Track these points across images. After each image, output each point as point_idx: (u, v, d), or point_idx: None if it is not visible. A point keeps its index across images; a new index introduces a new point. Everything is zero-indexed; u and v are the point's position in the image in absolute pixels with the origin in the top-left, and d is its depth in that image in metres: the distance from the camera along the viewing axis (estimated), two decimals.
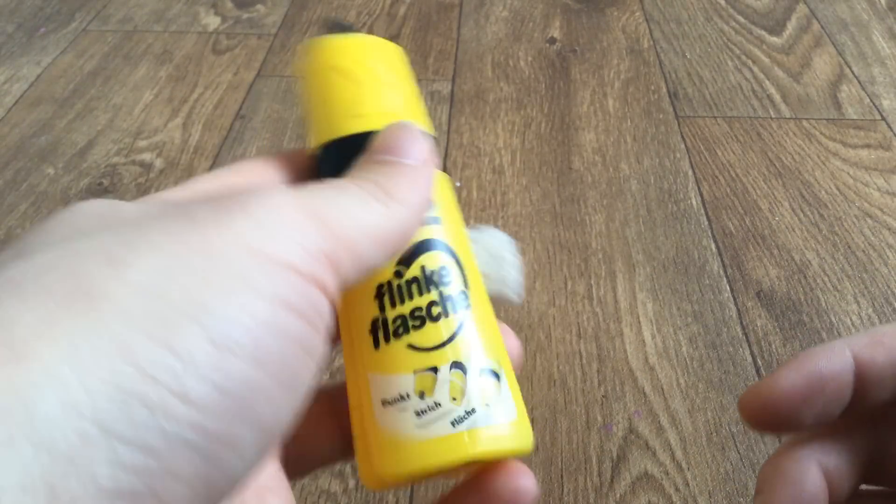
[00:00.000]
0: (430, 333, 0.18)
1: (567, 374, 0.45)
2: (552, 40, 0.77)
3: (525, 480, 0.19)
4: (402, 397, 0.17)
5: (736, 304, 0.49)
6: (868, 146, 0.63)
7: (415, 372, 0.17)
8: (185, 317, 0.12)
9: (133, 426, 0.11)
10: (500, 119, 0.66)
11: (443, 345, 0.18)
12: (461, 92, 0.69)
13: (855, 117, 0.66)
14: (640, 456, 0.41)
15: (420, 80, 0.71)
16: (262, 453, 0.13)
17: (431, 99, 0.68)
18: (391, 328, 0.18)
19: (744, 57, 0.74)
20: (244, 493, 0.17)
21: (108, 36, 0.78)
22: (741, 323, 0.48)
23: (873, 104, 0.68)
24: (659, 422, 0.43)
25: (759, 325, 0.48)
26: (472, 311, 0.18)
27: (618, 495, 0.39)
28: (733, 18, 0.80)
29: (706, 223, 0.55)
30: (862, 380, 0.19)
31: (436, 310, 0.18)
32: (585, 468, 0.40)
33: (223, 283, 0.13)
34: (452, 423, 0.17)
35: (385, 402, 0.17)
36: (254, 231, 0.14)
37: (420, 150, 0.18)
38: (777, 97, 0.68)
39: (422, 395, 0.17)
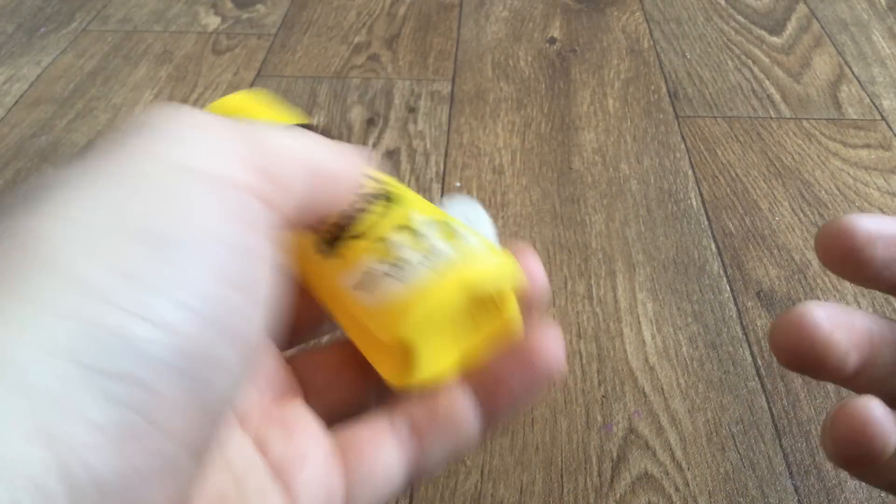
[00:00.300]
0: (364, 220, 0.18)
1: (567, 374, 0.45)
2: (552, 40, 0.77)
3: (551, 336, 0.19)
4: (369, 273, 0.17)
5: (736, 304, 0.49)
6: (868, 146, 0.63)
7: (368, 251, 0.18)
8: (140, 243, 0.12)
9: (110, 357, 0.11)
10: (500, 119, 0.66)
11: (379, 222, 0.18)
12: (461, 92, 0.69)
13: (855, 117, 0.66)
14: (640, 456, 0.41)
15: (420, 80, 0.71)
16: (246, 367, 0.13)
17: (431, 99, 0.68)
18: (330, 237, 0.18)
19: (744, 57, 0.74)
20: (270, 426, 0.17)
21: (108, 36, 0.78)
22: (741, 323, 0.48)
23: (873, 104, 0.68)
24: (659, 422, 0.43)
25: (759, 325, 0.48)
26: (400, 202, 0.19)
27: (618, 495, 0.39)
28: (733, 18, 0.80)
29: (706, 223, 0.55)
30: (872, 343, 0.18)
31: (362, 205, 0.18)
32: (585, 468, 0.40)
33: (171, 207, 0.12)
34: (426, 266, 0.17)
35: (358, 287, 0.17)
36: (195, 151, 0.13)
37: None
38: (777, 97, 0.68)
39: (382, 262, 0.17)
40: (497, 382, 0.18)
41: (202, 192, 0.13)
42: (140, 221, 0.12)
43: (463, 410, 0.18)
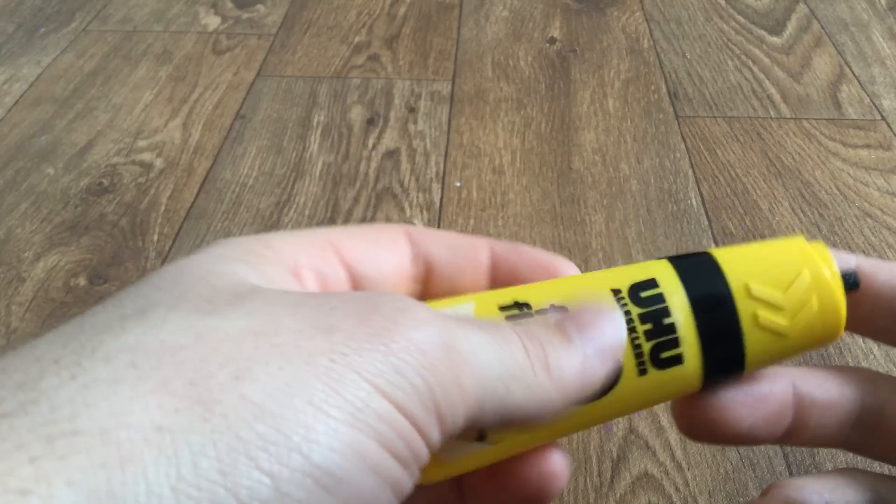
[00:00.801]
0: None
1: None
2: (552, 40, 0.77)
3: (556, 460, 0.19)
4: None
5: None
6: (868, 146, 0.63)
7: None
8: (290, 447, 0.12)
9: None
10: (500, 119, 0.66)
11: None
12: (461, 92, 0.69)
13: (855, 117, 0.66)
14: (640, 456, 0.41)
15: (420, 80, 0.71)
16: None
17: (431, 99, 0.68)
18: None
19: (744, 57, 0.74)
20: None
21: (108, 36, 0.78)
22: None
23: (873, 104, 0.68)
24: (659, 422, 0.43)
25: None
26: None
27: (618, 495, 0.39)
28: (733, 18, 0.80)
29: (706, 223, 0.55)
30: (803, 407, 0.19)
31: None
32: (585, 468, 0.40)
33: (335, 411, 0.13)
34: None
35: None
36: (384, 367, 0.13)
37: (609, 342, 0.16)
38: (777, 97, 0.68)
39: None
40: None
41: (369, 412, 0.13)
42: (299, 419, 0.12)
43: None
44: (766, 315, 0.18)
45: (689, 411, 0.19)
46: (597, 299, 0.18)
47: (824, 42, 0.76)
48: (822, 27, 0.78)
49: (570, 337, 0.16)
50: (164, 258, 0.53)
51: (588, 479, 0.40)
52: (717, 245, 0.54)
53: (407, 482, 0.14)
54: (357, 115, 0.67)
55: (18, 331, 0.48)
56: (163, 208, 0.57)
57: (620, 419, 0.43)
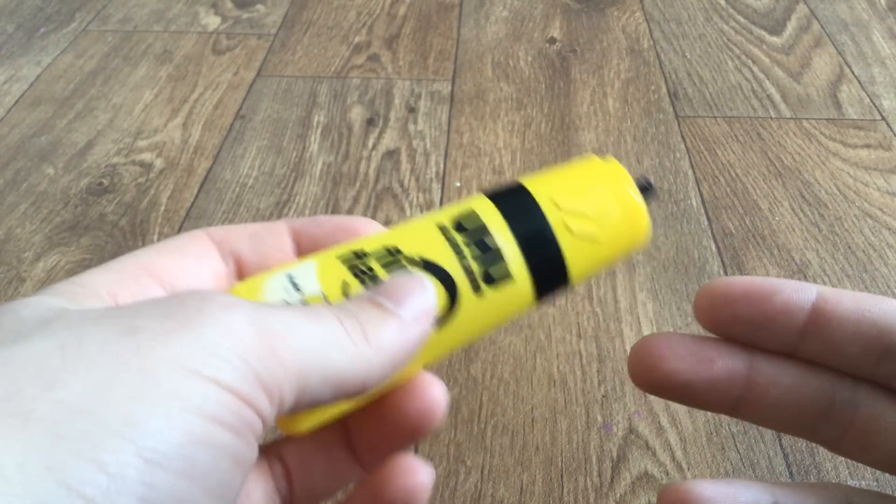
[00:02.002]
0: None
1: (567, 374, 0.45)
2: (552, 40, 0.77)
3: (431, 390, 0.20)
4: None
5: None
6: (868, 146, 0.63)
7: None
8: (113, 434, 0.12)
9: None
10: (500, 119, 0.66)
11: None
12: (461, 92, 0.69)
13: (855, 117, 0.66)
14: (640, 456, 0.41)
15: (420, 80, 0.71)
16: None
17: (431, 99, 0.68)
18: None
19: (744, 57, 0.74)
20: None
21: (108, 36, 0.78)
22: None
23: (873, 104, 0.68)
24: (659, 422, 0.43)
25: None
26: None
27: (618, 495, 0.39)
28: (733, 18, 0.80)
29: (706, 223, 0.55)
30: (820, 313, 0.19)
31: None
32: (585, 468, 0.40)
33: (153, 399, 0.13)
34: None
35: None
36: (195, 352, 0.14)
37: (420, 307, 0.18)
38: (777, 97, 0.68)
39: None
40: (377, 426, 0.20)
41: (191, 391, 0.13)
42: (120, 411, 0.13)
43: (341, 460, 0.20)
44: (575, 223, 0.20)
45: (637, 358, 0.21)
46: (430, 244, 0.19)
47: (824, 42, 0.76)
48: (822, 27, 0.78)
49: (384, 308, 0.17)
50: None
51: (588, 479, 0.40)
52: (716, 244, 0.54)
53: (246, 450, 0.14)
54: (357, 115, 0.67)
55: None
56: (163, 208, 0.57)
57: (620, 420, 0.43)
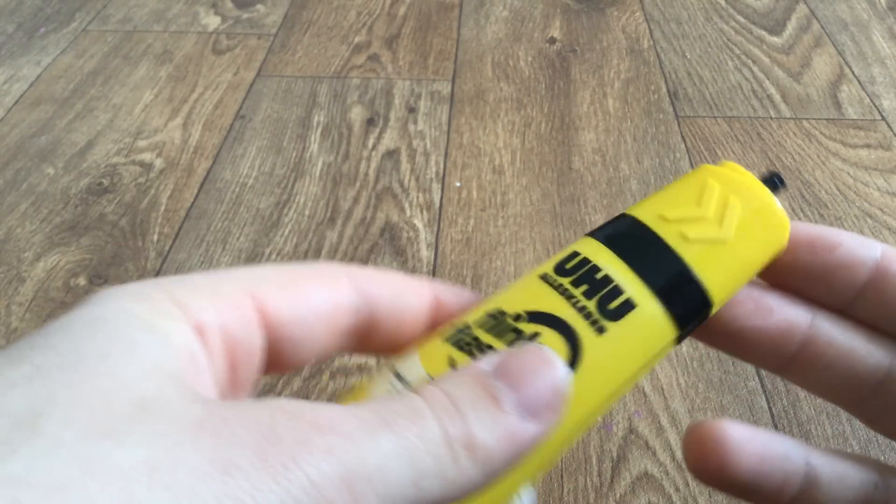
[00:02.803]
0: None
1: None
2: (552, 40, 0.77)
3: None
4: None
5: None
6: (868, 146, 0.63)
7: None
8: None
9: None
10: (500, 119, 0.66)
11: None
12: (461, 92, 0.69)
13: (855, 117, 0.66)
14: (640, 456, 0.41)
15: (420, 80, 0.71)
16: None
17: (431, 99, 0.68)
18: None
19: (744, 57, 0.74)
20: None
21: (108, 36, 0.78)
22: None
23: (873, 104, 0.68)
24: (659, 422, 0.43)
25: None
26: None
27: (618, 495, 0.39)
28: (733, 18, 0.80)
29: None
30: (884, 273, 0.18)
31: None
32: (585, 468, 0.40)
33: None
34: None
35: None
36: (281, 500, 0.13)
37: (546, 388, 0.15)
38: (777, 97, 0.68)
39: None
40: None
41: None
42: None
43: None
44: (692, 229, 0.17)
45: (696, 447, 0.19)
46: (533, 296, 0.17)
47: (824, 42, 0.76)
48: (822, 27, 0.78)
49: (499, 400, 0.14)
50: (165, 258, 0.53)
51: (588, 479, 0.40)
52: None
53: None
54: (357, 115, 0.67)
55: (18, 331, 0.48)
56: (163, 208, 0.57)
57: (620, 420, 0.43)
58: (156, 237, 0.55)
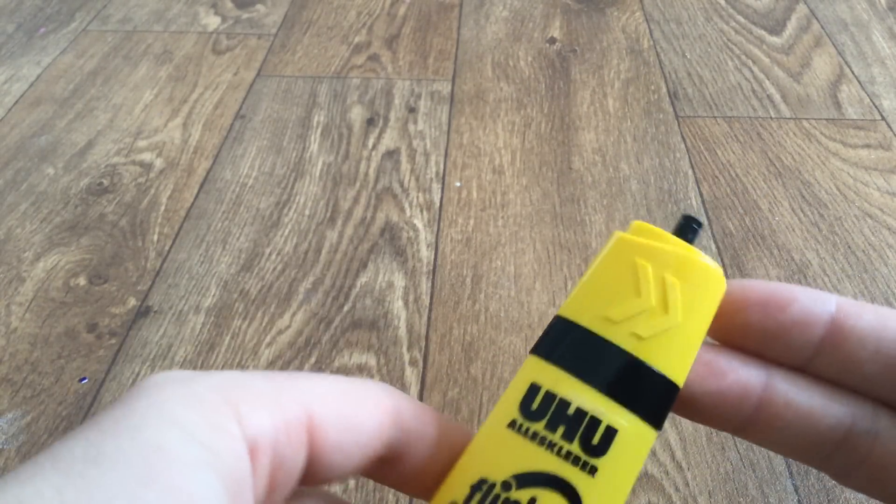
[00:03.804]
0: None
1: None
2: (552, 40, 0.77)
3: None
4: None
5: None
6: (868, 146, 0.63)
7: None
8: None
9: None
10: (500, 119, 0.66)
11: None
12: (461, 92, 0.69)
13: (855, 117, 0.66)
14: None
15: (420, 80, 0.71)
16: None
17: (431, 99, 0.68)
18: None
19: (744, 57, 0.74)
20: None
21: (108, 36, 0.78)
22: None
23: (873, 104, 0.68)
24: None
25: None
26: None
27: None
28: (733, 18, 0.80)
29: (706, 223, 0.55)
30: (840, 327, 0.17)
31: None
32: None
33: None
34: None
35: None
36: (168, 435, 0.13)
37: None
38: (777, 97, 0.68)
39: None
40: None
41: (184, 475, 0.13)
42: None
43: None
44: (642, 328, 0.17)
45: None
46: (507, 450, 0.17)
47: (824, 42, 0.76)
48: (822, 27, 0.78)
49: None
50: (165, 258, 0.53)
51: None
52: (716, 244, 0.54)
53: None
54: (357, 115, 0.67)
55: (18, 331, 0.48)
56: (163, 208, 0.57)
57: None
58: (156, 237, 0.55)
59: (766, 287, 0.18)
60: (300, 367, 0.46)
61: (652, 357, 0.16)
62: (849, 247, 0.54)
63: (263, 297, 0.50)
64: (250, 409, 0.15)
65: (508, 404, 0.17)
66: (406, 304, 0.50)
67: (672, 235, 0.17)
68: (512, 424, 0.16)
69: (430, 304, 0.50)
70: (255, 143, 0.64)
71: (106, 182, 0.60)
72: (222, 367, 0.46)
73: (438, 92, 0.69)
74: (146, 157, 0.62)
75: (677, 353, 0.17)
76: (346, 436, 0.16)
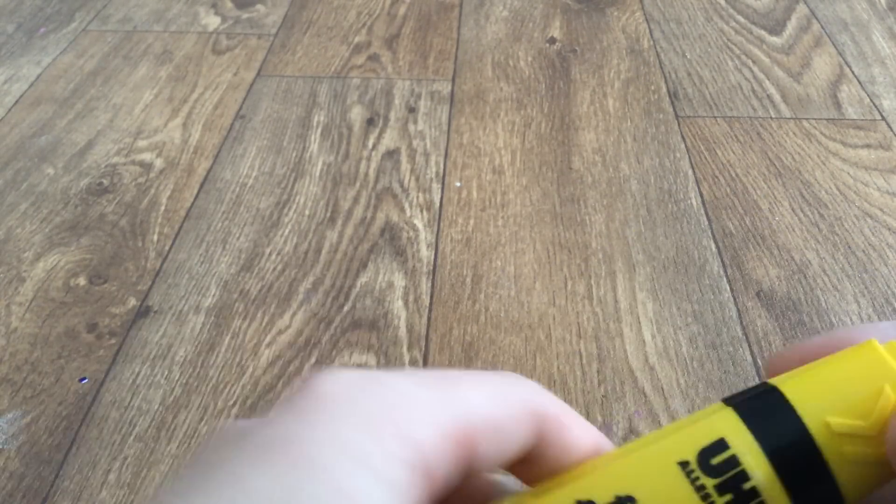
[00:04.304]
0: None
1: (567, 374, 0.45)
2: (552, 40, 0.77)
3: None
4: None
5: (736, 304, 0.49)
6: (868, 146, 0.63)
7: None
8: None
9: None
10: (500, 119, 0.66)
11: None
12: (461, 92, 0.69)
13: (855, 117, 0.66)
14: None
15: (420, 80, 0.71)
16: None
17: (431, 99, 0.68)
18: None
19: (744, 57, 0.74)
20: None
21: (108, 36, 0.78)
22: (741, 323, 0.48)
23: (873, 104, 0.68)
24: (659, 422, 0.43)
25: (759, 325, 0.48)
26: None
27: None
28: (733, 18, 0.80)
29: (706, 223, 0.55)
30: None
31: None
32: None
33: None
34: None
35: None
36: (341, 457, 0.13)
37: None
38: (777, 97, 0.68)
39: None
40: None
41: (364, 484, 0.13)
42: None
43: None
44: (853, 450, 0.16)
45: None
46: (666, 485, 0.16)
47: (824, 42, 0.76)
48: (822, 27, 0.78)
49: None
50: (165, 258, 0.53)
51: None
52: (716, 244, 0.54)
53: None
54: (357, 115, 0.67)
55: (18, 331, 0.48)
56: (163, 208, 0.57)
57: (620, 420, 0.43)
58: (156, 237, 0.55)
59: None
60: (300, 368, 0.46)
61: (842, 479, 0.16)
62: (849, 247, 0.54)
63: (263, 297, 0.50)
64: (424, 436, 0.15)
65: (687, 443, 0.16)
66: (406, 304, 0.50)
67: None
68: (684, 465, 0.16)
69: (430, 304, 0.50)
70: (255, 143, 0.64)
71: (106, 182, 0.60)
72: (221, 368, 0.46)
73: (438, 92, 0.69)
74: (146, 157, 0.62)
75: (863, 485, 0.16)
76: (494, 447, 0.16)
